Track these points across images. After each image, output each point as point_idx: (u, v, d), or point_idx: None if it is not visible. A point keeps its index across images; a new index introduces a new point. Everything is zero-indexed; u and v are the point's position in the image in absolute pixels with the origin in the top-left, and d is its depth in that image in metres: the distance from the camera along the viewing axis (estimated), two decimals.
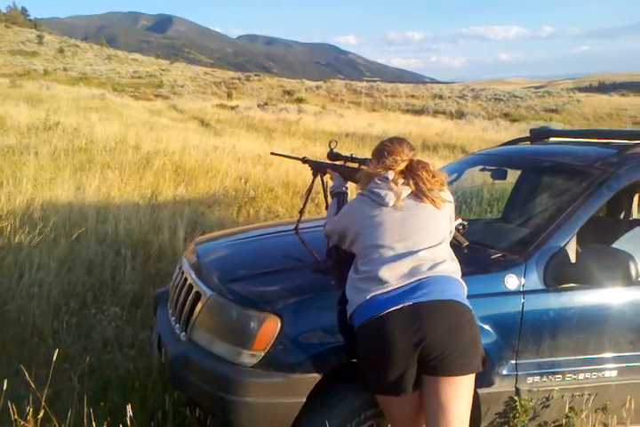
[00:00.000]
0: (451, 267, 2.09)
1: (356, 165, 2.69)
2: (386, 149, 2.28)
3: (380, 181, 2.18)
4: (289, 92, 59.01)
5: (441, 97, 57.41)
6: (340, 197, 2.63)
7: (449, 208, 2.25)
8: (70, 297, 3.89)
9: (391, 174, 2.18)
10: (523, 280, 2.26)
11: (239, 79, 67.41)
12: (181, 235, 4.88)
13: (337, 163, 2.82)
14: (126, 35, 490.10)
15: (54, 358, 2.39)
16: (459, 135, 23.79)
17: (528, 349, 2.26)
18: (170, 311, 2.62)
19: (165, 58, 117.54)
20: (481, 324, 2.14)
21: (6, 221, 4.70)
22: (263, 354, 2.03)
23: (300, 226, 2.86)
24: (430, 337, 1.91)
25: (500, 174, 3.38)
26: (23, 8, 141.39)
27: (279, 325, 2.03)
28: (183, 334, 2.32)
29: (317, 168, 2.89)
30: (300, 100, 49.31)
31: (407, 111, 47.58)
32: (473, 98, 56.33)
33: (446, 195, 2.24)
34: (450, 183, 3.47)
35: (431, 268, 2.03)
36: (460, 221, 2.52)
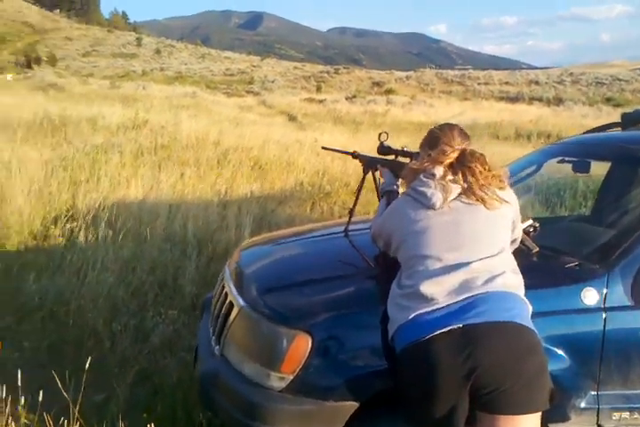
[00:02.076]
0: (511, 280, 1.75)
1: (408, 160, 2.40)
2: (434, 137, 1.96)
3: (425, 179, 1.85)
4: (378, 84, 58.46)
5: (537, 83, 54.92)
6: (389, 196, 2.30)
7: (510, 210, 1.91)
8: (131, 298, 3.83)
9: (439, 170, 1.85)
10: (604, 295, 1.89)
11: (328, 73, 67.53)
12: (247, 233, 4.75)
13: (388, 158, 2.53)
14: (220, 33, 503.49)
15: (87, 365, 2.27)
16: (555, 122, 22.53)
17: (613, 378, 1.88)
18: (210, 321, 2.45)
19: (257, 54, 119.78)
20: (552, 347, 1.81)
21: (77, 220, 4.72)
22: (292, 377, 1.79)
23: (352, 227, 2.59)
24: (485, 366, 1.59)
25: (582, 167, 2.95)
26: (124, 12, 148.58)
27: (310, 344, 1.78)
28: (217, 348, 2.13)
29: (368, 164, 2.60)
30: (389, 92, 48.69)
31: (501, 99, 45.77)
32: (572, 83, 53.52)
33: (506, 194, 1.88)
34: (527, 177, 3.11)
35: (487, 282, 1.70)
36: (529, 222, 2.18)
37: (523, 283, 1.79)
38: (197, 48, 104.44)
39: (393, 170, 2.42)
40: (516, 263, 1.84)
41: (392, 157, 2.51)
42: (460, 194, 1.83)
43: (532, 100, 44.89)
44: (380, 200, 2.42)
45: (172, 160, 8.03)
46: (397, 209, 1.96)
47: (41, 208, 5.27)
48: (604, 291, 1.90)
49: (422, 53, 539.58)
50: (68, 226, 4.60)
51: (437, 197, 1.80)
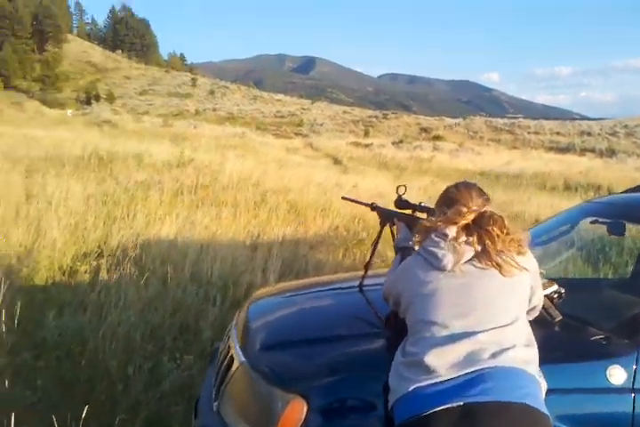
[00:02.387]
0: (523, 355, 1.62)
1: (425, 216, 2.31)
2: (450, 196, 1.88)
3: (437, 238, 1.76)
4: (426, 130, 58.75)
5: (589, 134, 54.22)
6: (404, 252, 2.20)
7: (529, 277, 1.79)
8: (149, 340, 3.78)
9: (452, 230, 1.76)
10: (634, 374, 1.72)
11: (376, 117, 68.28)
12: (272, 278, 4.68)
13: (405, 212, 2.44)
14: (273, 76, 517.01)
15: (83, 413, 2.20)
16: (606, 174, 22.04)
17: None
18: (213, 373, 2.36)
19: (308, 98, 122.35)
20: None
21: (106, 257, 4.74)
22: None
23: (368, 282, 2.48)
24: None
25: (616, 229, 2.79)
26: (181, 54, 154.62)
27: (305, 409, 1.67)
28: (215, 403, 2.04)
29: (385, 217, 2.53)
30: (436, 138, 48.82)
31: (551, 149, 45.29)
32: (626, 135, 52.63)
33: (525, 260, 1.77)
34: (560, 235, 2.98)
35: (495, 355, 1.58)
36: (554, 287, 2.05)
37: (537, 357, 1.66)
38: (250, 90, 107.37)
39: (409, 225, 2.33)
40: (531, 335, 1.71)
41: (409, 211, 2.42)
42: (473, 257, 1.73)
43: (583, 151, 44.24)
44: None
45: (210, 200, 8.10)
46: (407, 269, 1.87)
47: (73, 243, 5.32)
48: (634, 369, 1.73)
49: (473, 101, 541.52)
50: (95, 262, 4.61)
51: (448, 259, 1.71)
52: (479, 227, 1.76)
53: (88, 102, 68.38)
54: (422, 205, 2.34)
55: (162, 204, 7.46)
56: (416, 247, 2.22)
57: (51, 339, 3.67)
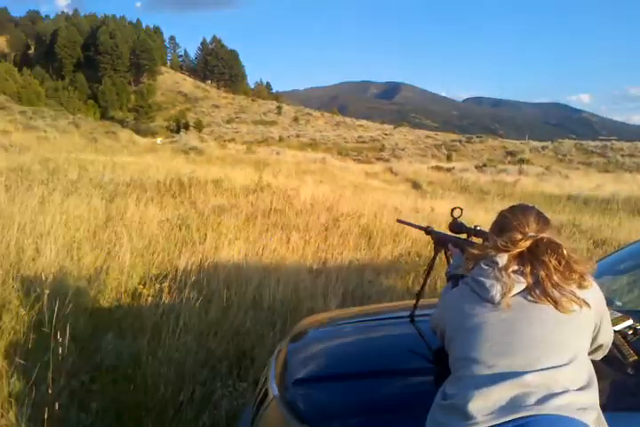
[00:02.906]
0: (579, 400, 1.39)
1: (481, 241, 2.11)
2: (504, 220, 1.70)
3: (486, 267, 1.58)
4: (512, 154, 57.25)
5: None
6: (455, 281, 2.02)
7: (591, 313, 1.57)
8: (205, 366, 3.72)
9: (503, 258, 1.57)
10: None
11: (460, 141, 67.31)
12: (333, 304, 4.54)
13: (461, 236, 2.26)
14: (357, 102, 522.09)
15: None
16: None
17: None
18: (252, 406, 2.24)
19: (391, 123, 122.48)
20: None
21: (169, 281, 4.77)
22: None
23: (420, 312, 2.31)
24: None
25: None
26: (268, 83, 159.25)
27: None
28: None
29: (439, 242, 2.35)
30: (522, 162, 47.40)
31: None
32: None
33: (588, 294, 1.56)
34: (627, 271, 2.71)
35: (543, 400, 1.36)
36: (629, 322, 1.82)
37: (597, 402, 1.43)
38: (333, 116, 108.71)
39: (463, 251, 2.15)
40: (593, 377, 1.49)
41: (465, 236, 2.24)
42: (525, 289, 1.54)
43: None
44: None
45: (281, 224, 8.10)
46: (453, 299, 1.71)
47: (141, 266, 5.41)
48: None
49: (562, 124, 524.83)
50: (159, 286, 4.64)
51: (496, 290, 1.53)
52: (534, 256, 1.57)
53: (178, 131, 71.27)
54: (478, 228, 2.16)
55: (234, 228, 7.52)
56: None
57: (107, 362, 3.69)
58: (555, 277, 1.52)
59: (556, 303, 1.50)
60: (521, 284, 1.53)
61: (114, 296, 4.69)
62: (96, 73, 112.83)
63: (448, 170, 31.82)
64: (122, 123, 74.18)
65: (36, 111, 45.83)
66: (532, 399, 1.37)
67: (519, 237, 1.59)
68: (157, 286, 4.55)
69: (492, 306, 1.53)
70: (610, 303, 2.36)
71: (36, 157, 17.26)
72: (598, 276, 2.72)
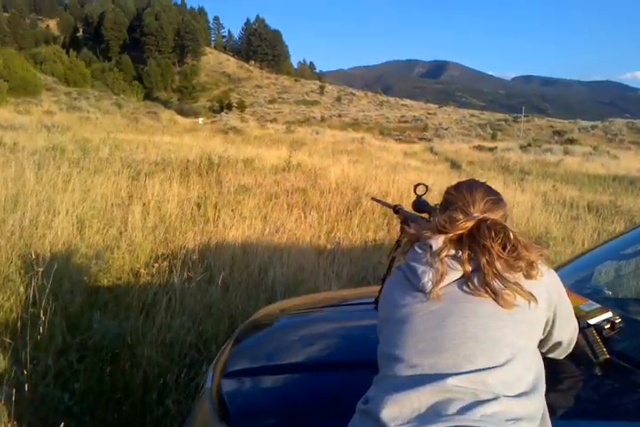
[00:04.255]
0: (508, 409, 1.16)
1: None
2: (448, 198, 1.48)
3: (420, 250, 1.36)
4: (559, 133, 55.67)
5: None
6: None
7: (539, 307, 1.33)
8: (197, 347, 3.63)
9: (438, 241, 1.34)
10: None
11: (506, 121, 65.75)
12: (335, 286, 4.38)
13: (424, 216, 2.05)
14: (402, 82, 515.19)
15: None
16: None
17: None
18: None
19: (437, 102, 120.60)
20: None
21: (173, 260, 4.67)
22: None
23: None
24: None
25: None
26: (311, 63, 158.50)
27: None
28: None
29: (407, 221, 2.14)
30: (570, 141, 46.00)
31: None
32: None
33: (537, 285, 1.33)
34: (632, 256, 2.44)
35: (466, 409, 1.15)
36: (607, 315, 1.60)
37: (539, 412, 1.21)
38: (377, 96, 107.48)
39: None
40: (538, 382, 1.26)
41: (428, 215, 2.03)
42: (461, 278, 1.32)
43: None
44: None
45: (303, 204, 7.95)
46: (387, 287, 1.49)
47: (151, 245, 5.34)
48: None
49: (615, 102, 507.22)
50: (164, 264, 4.55)
51: (428, 277, 1.31)
52: (474, 240, 1.33)
53: (220, 111, 71.63)
54: (437, 207, 1.94)
55: (254, 207, 7.41)
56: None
57: (101, 341, 3.62)
58: (497, 265, 1.29)
59: (495, 295, 1.27)
60: (456, 271, 1.31)
61: (116, 275, 4.63)
62: (141, 54, 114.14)
63: (490, 149, 31.05)
64: (165, 103, 74.98)
65: (80, 92, 46.67)
66: (455, 408, 1.15)
67: (460, 217, 1.37)
68: (160, 265, 4.46)
69: (422, 296, 1.31)
70: (597, 293, 2.12)
71: (75, 137, 17.50)
72: (600, 261, 2.48)
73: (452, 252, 1.33)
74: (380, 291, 2.13)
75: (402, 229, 2.15)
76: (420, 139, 48.74)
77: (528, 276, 1.32)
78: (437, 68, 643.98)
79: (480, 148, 32.52)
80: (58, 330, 3.65)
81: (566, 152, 32.06)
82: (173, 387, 3.23)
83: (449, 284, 1.31)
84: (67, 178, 8.60)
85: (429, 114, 75.61)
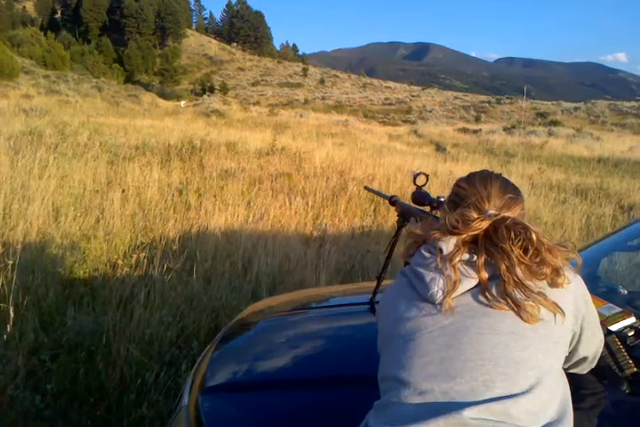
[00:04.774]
0: None
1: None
2: (458, 192, 1.27)
3: (427, 254, 1.17)
4: (542, 115, 55.72)
5: None
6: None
7: (566, 321, 1.13)
8: (178, 344, 3.44)
9: (449, 243, 1.15)
10: None
11: (489, 103, 65.66)
12: (324, 278, 4.19)
13: (425, 209, 1.85)
14: (385, 64, 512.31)
15: None
16: None
17: None
18: None
19: (420, 84, 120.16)
20: None
21: (153, 250, 4.46)
22: None
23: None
24: None
25: None
26: (294, 45, 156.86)
27: None
28: None
29: (404, 214, 1.92)
30: (553, 123, 46.03)
31: None
32: None
33: (564, 295, 1.14)
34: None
35: None
36: (631, 320, 1.42)
37: None
38: (360, 78, 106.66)
39: None
40: (566, 406, 1.08)
41: (429, 208, 1.82)
42: (476, 286, 1.13)
43: None
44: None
45: (288, 189, 7.74)
46: (389, 296, 1.28)
47: (130, 234, 5.12)
48: None
49: (597, 84, 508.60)
50: (142, 255, 4.33)
51: (439, 286, 1.12)
52: (492, 242, 1.14)
53: (203, 94, 70.73)
54: (441, 199, 1.74)
55: (237, 192, 7.20)
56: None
57: (74, 338, 3.42)
58: (518, 272, 1.10)
59: (517, 308, 1.09)
60: (471, 279, 1.12)
61: (93, 266, 4.41)
62: (122, 37, 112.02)
63: (474, 132, 30.93)
64: (147, 86, 73.86)
65: (59, 75, 45.69)
66: None
67: (474, 215, 1.17)
68: (138, 255, 4.24)
69: (431, 307, 1.13)
70: (612, 292, 1.96)
71: (53, 121, 17.07)
72: (608, 252, 2.31)
73: (466, 256, 1.14)
74: (374, 291, 1.95)
75: (398, 223, 1.95)
76: (405, 121, 48.52)
77: (553, 284, 1.12)
78: (421, 50, 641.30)
79: (464, 130, 32.38)
80: (29, 327, 3.44)
81: (550, 134, 32.04)
82: (152, 387, 3.05)
83: (462, 294, 1.13)
84: (43, 164, 8.32)
85: (413, 96, 75.20)
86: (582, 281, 1.21)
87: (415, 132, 30.21)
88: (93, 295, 3.95)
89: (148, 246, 4.74)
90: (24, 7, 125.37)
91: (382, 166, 10.80)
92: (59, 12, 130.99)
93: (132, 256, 4.39)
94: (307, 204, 6.77)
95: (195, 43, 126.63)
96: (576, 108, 58.62)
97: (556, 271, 1.12)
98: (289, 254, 4.69)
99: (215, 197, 6.81)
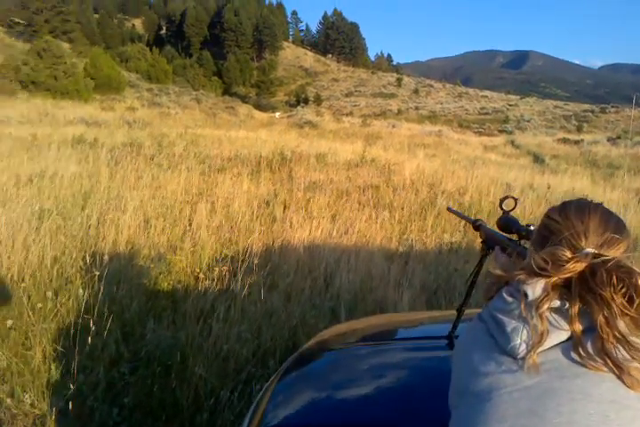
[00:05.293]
0: None
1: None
2: (550, 226, 1.07)
3: (510, 298, 1.00)
4: None
5: None
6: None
7: None
8: (251, 361, 3.37)
9: (536, 287, 0.96)
10: None
11: (592, 112, 62.69)
12: (406, 297, 4.01)
13: (512, 237, 1.65)
14: (482, 73, 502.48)
15: None
16: None
17: None
18: None
19: (519, 93, 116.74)
20: None
21: (234, 263, 4.46)
22: None
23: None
24: None
25: None
26: (389, 55, 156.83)
27: None
28: None
29: (489, 241, 1.72)
30: None
31: None
32: None
33: None
34: None
35: None
36: None
37: None
38: (455, 87, 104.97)
39: (512, 256, 1.54)
40: None
41: (516, 237, 1.62)
42: (568, 341, 0.95)
43: None
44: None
45: (375, 202, 7.60)
46: (463, 343, 1.12)
47: (215, 246, 5.15)
48: None
49: None
50: (222, 269, 4.33)
51: (522, 338, 0.95)
52: (588, 288, 0.95)
53: (297, 105, 71.90)
54: (530, 228, 1.50)
55: (324, 205, 7.14)
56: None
57: (154, 351, 3.43)
58: (620, 325, 0.91)
59: (619, 370, 0.90)
60: (561, 331, 0.95)
61: (176, 278, 4.45)
62: (221, 50, 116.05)
63: (576, 142, 29.52)
64: (243, 98, 75.99)
65: (161, 88, 47.87)
66: None
67: (567, 255, 0.98)
68: (221, 268, 4.24)
69: (512, 363, 0.95)
70: None
71: (153, 133, 17.81)
72: None
73: (557, 303, 0.96)
74: (454, 324, 1.77)
75: (482, 250, 1.76)
76: (501, 131, 47.12)
77: None
78: (519, 58, 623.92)
79: (565, 140, 30.97)
80: (112, 338, 3.49)
81: None
82: (226, 406, 2.99)
83: (550, 348, 0.95)
84: (139, 174, 8.63)
85: (510, 105, 73.03)
86: None
87: (512, 142, 29.22)
88: (175, 308, 3.98)
89: (232, 259, 4.74)
90: (133, 25, 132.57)
91: (475, 179, 10.44)
92: (164, 28, 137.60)
93: (215, 269, 4.40)
94: (393, 217, 6.60)
95: (291, 55, 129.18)
96: None
97: None
98: (372, 271, 4.54)
99: (302, 209, 6.78)
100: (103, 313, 3.53)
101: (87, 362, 3.27)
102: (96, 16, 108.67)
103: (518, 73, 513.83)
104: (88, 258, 4.18)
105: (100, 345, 3.41)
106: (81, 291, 3.95)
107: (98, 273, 3.76)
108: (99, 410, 2.98)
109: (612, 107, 65.67)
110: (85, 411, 2.97)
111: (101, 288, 3.79)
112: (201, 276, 4.20)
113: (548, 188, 10.11)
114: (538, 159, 21.12)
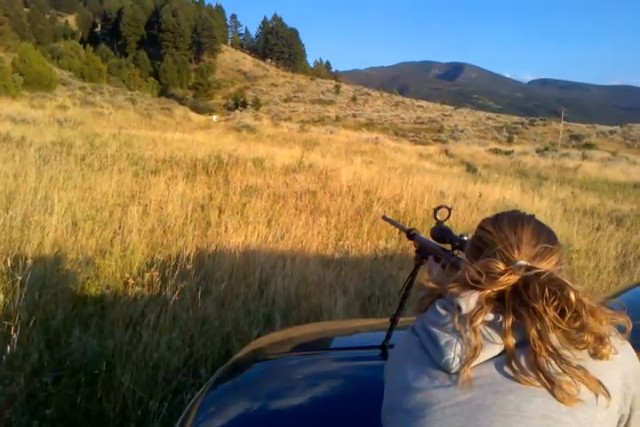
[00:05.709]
0: None
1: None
2: (484, 237, 1.06)
3: (443, 311, 0.97)
4: (577, 138, 54.93)
5: None
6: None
7: (611, 403, 0.91)
8: (181, 370, 3.27)
9: (470, 300, 0.94)
10: None
11: (522, 124, 65.06)
12: (340, 304, 4.00)
13: (446, 247, 1.65)
14: (418, 83, 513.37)
15: None
16: None
17: None
18: None
19: (453, 104, 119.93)
20: None
21: (164, 268, 4.33)
22: None
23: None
24: None
25: None
26: (327, 62, 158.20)
27: None
28: None
29: (424, 251, 1.71)
30: (588, 146, 45.32)
31: None
32: None
33: (609, 369, 0.93)
34: None
35: None
36: None
37: None
38: (392, 96, 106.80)
39: (446, 266, 1.54)
40: None
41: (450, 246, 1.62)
42: (501, 355, 0.93)
43: None
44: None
45: (312, 208, 7.59)
46: (395, 356, 1.08)
47: (146, 250, 5.00)
48: None
49: (633, 107, 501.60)
50: (156, 274, 4.20)
51: (455, 352, 0.92)
52: (521, 301, 0.93)
53: (235, 109, 71.43)
54: (464, 238, 1.50)
55: (260, 210, 7.07)
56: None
57: (79, 360, 3.28)
58: (553, 339, 0.90)
59: (550, 384, 0.88)
60: (495, 345, 0.92)
61: (105, 283, 4.29)
62: (158, 51, 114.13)
63: (506, 153, 30.55)
64: (180, 100, 74.87)
65: (95, 87, 46.56)
66: None
67: (500, 267, 0.97)
68: (153, 273, 4.11)
69: (446, 378, 0.93)
70: None
71: (85, 132, 17.26)
72: None
73: (490, 317, 0.94)
74: (387, 334, 1.75)
75: (416, 259, 1.75)
76: (436, 140, 48.26)
77: (596, 355, 0.92)
78: (454, 70, 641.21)
79: (496, 151, 32.01)
80: (34, 346, 3.31)
81: (584, 157, 31.49)
82: (155, 416, 2.88)
83: (484, 363, 0.93)
84: (69, 175, 8.32)
85: (445, 115, 74.92)
86: (633, 351, 1.00)
87: (446, 151, 29.96)
88: (103, 315, 3.83)
89: (164, 264, 4.61)
90: (66, 21, 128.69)
91: (410, 186, 10.59)
92: (99, 25, 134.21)
93: (145, 274, 4.27)
94: (330, 223, 6.61)
95: (229, 58, 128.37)
96: (612, 132, 57.72)
97: (600, 339, 0.92)
98: (307, 277, 4.51)
99: (238, 213, 6.70)
100: (26, 320, 3.36)
101: (7, 372, 3.09)
102: (26, 10, 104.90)
103: (453, 84, 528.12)
104: (10, 262, 3.96)
105: (22, 354, 3.24)
106: (1, 296, 3.76)
107: (20, 278, 3.57)
108: (16, 423, 2.82)
109: (541, 120, 68.39)
110: (1, 424, 2.80)
111: (23, 294, 3.61)
112: (131, 281, 4.05)
113: (480, 196, 10.38)
114: (470, 168, 21.71)
